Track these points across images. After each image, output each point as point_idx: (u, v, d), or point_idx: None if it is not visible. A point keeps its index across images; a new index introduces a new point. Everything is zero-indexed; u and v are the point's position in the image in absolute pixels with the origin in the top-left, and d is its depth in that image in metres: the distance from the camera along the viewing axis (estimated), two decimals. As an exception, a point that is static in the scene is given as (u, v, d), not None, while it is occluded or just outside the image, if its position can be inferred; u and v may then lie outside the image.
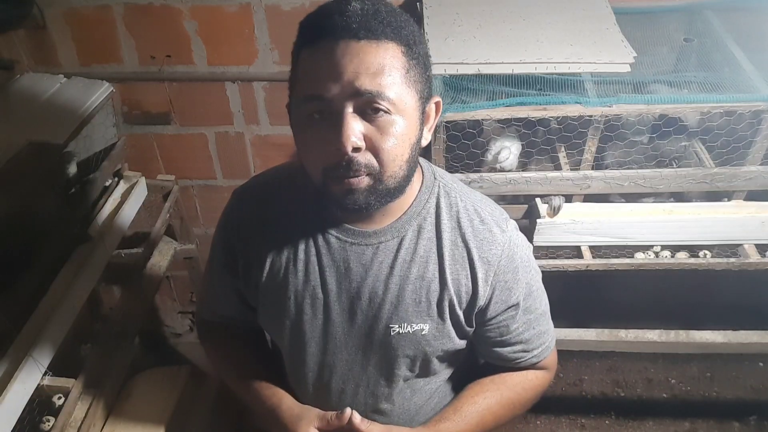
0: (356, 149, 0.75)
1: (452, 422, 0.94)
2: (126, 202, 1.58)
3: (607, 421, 2.18)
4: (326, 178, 0.79)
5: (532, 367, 1.01)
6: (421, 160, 0.94)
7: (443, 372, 1.01)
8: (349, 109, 0.74)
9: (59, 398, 1.26)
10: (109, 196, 1.57)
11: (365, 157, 0.77)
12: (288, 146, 2.00)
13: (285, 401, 0.97)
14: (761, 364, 2.33)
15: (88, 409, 1.31)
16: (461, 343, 0.96)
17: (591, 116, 1.36)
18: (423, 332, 0.90)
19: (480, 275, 0.89)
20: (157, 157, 2.06)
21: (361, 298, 0.90)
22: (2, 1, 1.64)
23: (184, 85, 1.90)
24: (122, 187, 1.63)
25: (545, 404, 2.23)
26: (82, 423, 1.28)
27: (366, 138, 0.76)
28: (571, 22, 1.52)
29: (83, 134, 1.44)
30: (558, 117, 1.39)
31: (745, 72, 1.40)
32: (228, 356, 1.09)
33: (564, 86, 1.39)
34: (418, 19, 1.57)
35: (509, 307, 0.92)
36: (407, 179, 0.83)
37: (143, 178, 1.67)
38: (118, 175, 1.63)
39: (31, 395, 1.20)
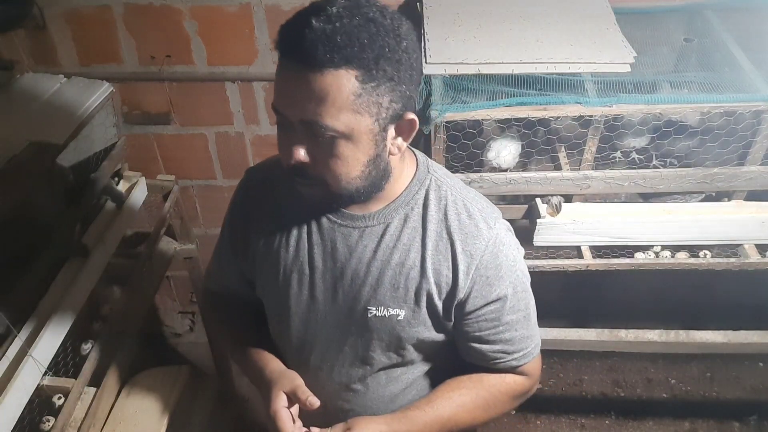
0: (299, 163, 0.81)
1: (422, 411, 0.95)
2: (126, 202, 1.58)
3: (607, 421, 2.18)
4: (290, 175, 0.85)
5: (512, 370, 1.01)
6: (418, 153, 0.97)
7: (420, 364, 1.03)
8: (298, 127, 0.79)
9: (59, 398, 1.26)
10: (109, 196, 1.57)
11: (313, 169, 0.82)
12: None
13: (270, 364, 1.00)
14: (761, 364, 2.33)
15: (88, 409, 1.31)
16: (438, 336, 0.97)
17: (591, 116, 1.36)
18: (398, 318, 0.93)
19: (461, 267, 0.90)
20: (157, 157, 2.06)
21: (344, 278, 0.94)
22: (2, 1, 1.64)
23: (184, 85, 1.90)
24: (122, 187, 1.63)
25: (545, 404, 2.23)
26: (82, 423, 1.28)
27: (311, 155, 0.81)
28: (571, 22, 1.52)
29: (83, 134, 1.43)
30: (558, 117, 1.39)
31: (745, 72, 1.40)
32: (226, 323, 1.15)
33: (564, 86, 1.39)
34: (418, 19, 1.57)
35: (489, 303, 0.93)
36: (370, 187, 0.86)
37: (143, 178, 1.67)
38: (118, 175, 1.63)
39: (31, 395, 1.20)
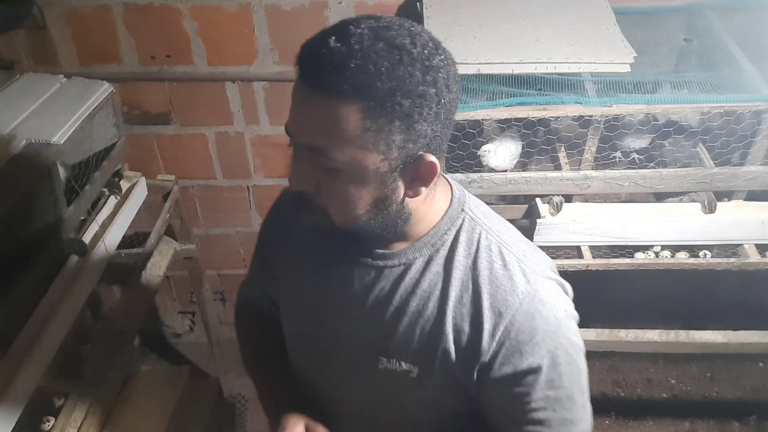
0: (301, 191, 0.74)
1: None
2: (126, 202, 1.58)
3: (607, 421, 2.18)
4: (294, 202, 0.78)
5: None
6: (454, 185, 0.85)
7: (441, 419, 0.90)
8: (303, 152, 0.72)
9: (59, 398, 1.26)
10: (109, 196, 1.57)
11: (317, 199, 0.74)
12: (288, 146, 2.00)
13: (290, 393, 0.96)
14: (761, 364, 2.33)
15: (88, 409, 1.31)
16: (458, 404, 0.85)
17: (591, 116, 1.37)
18: (412, 375, 0.82)
19: (486, 326, 0.77)
20: (157, 157, 2.06)
21: (357, 321, 0.84)
22: (2, 1, 1.64)
23: (184, 85, 1.90)
24: (122, 187, 1.63)
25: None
26: (82, 423, 1.28)
27: (317, 184, 0.72)
28: (571, 22, 1.52)
29: (83, 134, 1.43)
30: (558, 117, 1.39)
31: (745, 72, 1.40)
32: (252, 341, 1.09)
33: (564, 86, 1.39)
34: (418, 19, 1.57)
35: (519, 373, 0.77)
36: (380, 229, 0.77)
37: (143, 178, 1.67)
38: (118, 175, 1.63)
39: (31, 395, 1.20)
